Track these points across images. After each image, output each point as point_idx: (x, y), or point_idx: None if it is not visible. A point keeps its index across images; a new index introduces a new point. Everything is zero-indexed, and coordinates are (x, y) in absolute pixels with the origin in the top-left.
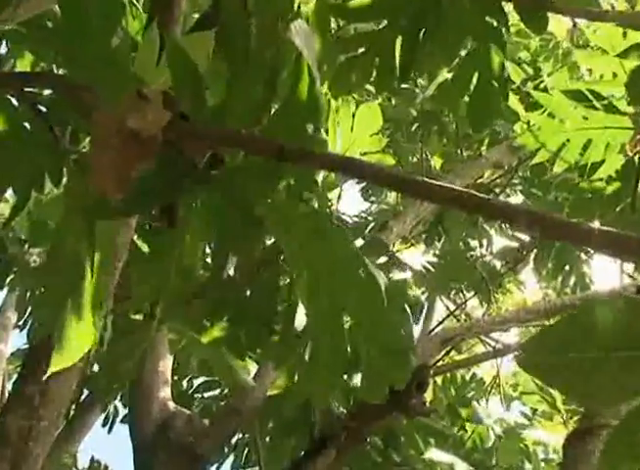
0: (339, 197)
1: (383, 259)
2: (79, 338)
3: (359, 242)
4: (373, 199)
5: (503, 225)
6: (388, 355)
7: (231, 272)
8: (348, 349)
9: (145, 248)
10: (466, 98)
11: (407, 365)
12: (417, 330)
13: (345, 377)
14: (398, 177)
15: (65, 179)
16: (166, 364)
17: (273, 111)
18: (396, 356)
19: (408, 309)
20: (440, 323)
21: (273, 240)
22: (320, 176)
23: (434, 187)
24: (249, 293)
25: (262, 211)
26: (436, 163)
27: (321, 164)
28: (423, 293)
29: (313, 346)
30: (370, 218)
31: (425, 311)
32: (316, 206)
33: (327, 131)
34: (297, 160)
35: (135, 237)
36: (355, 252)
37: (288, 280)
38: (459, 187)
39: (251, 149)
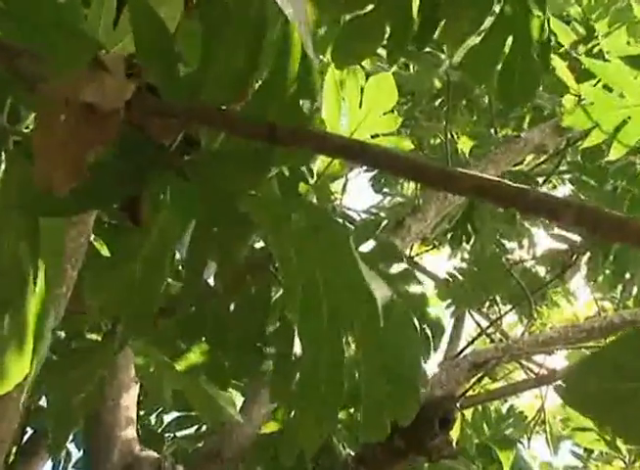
0: (343, 189)
1: (398, 266)
2: (18, 362)
3: (369, 244)
4: (386, 191)
5: (548, 223)
6: (389, 384)
7: (211, 282)
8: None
9: (104, 251)
10: (499, 66)
11: (412, 396)
12: (441, 352)
13: (352, 412)
14: (417, 164)
15: (2, 166)
16: (131, 396)
17: (259, 83)
18: (399, 385)
19: (427, 329)
20: (470, 344)
21: (262, 242)
22: (320, 164)
23: (460, 176)
24: (232, 307)
25: (248, 205)
26: (465, 146)
27: (321, 149)
28: (448, 307)
29: (306, 372)
30: (382, 215)
31: (451, 330)
32: (314, 200)
33: (327, 109)
34: (292, 143)
35: (92, 238)
36: (356, 259)
37: (281, 291)
38: (492, 175)
39: (233, 129)
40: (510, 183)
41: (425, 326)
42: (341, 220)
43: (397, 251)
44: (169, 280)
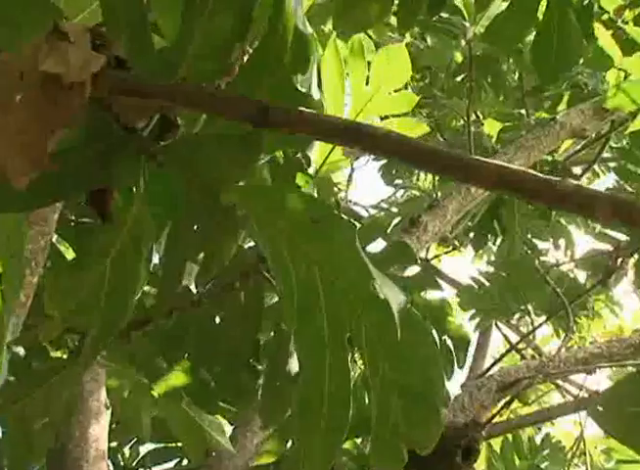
0: (349, 181)
1: (413, 270)
2: None
3: (379, 244)
4: (398, 183)
5: (588, 219)
6: (405, 404)
7: (193, 289)
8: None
9: (68, 253)
10: (531, 37)
11: (433, 418)
12: (463, 371)
13: (359, 440)
14: (429, 151)
15: None
16: (101, 425)
17: (247, 57)
18: (417, 405)
19: (449, 342)
20: (497, 361)
21: (253, 241)
22: (320, 151)
23: (478, 165)
24: (219, 318)
25: (234, 197)
26: (491, 129)
27: (319, 132)
28: (472, 318)
29: (304, 392)
30: (395, 211)
31: (475, 345)
32: (314, 193)
33: (328, 87)
34: (285, 125)
35: (54, 239)
36: (363, 259)
37: (276, 299)
38: (522, 164)
39: (217, 109)
40: (536, 173)
41: (446, 338)
42: (352, 220)
43: (411, 252)
44: (145, 287)
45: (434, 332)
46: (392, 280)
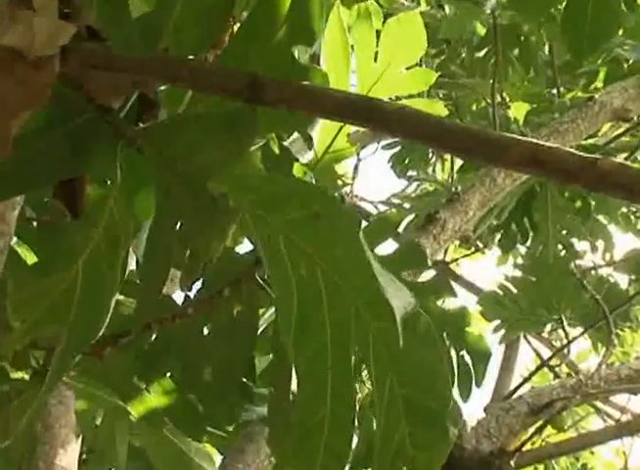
0: (355, 172)
1: (428, 274)
2: None
3: (389, 245)
4: (412, 174)
5: (630, 215)
6: (412, 422)
7: (177, 297)
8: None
9: (30, 257)
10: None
11: (442, 437)
12: (487, 391)
13: None
14: (455, 128)
15: None
16: (70, 454)
17: (239, 25)
18: (424, 423)
19: (467, 356)
20: (527, 380)
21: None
22: (322, 138)
23: (505, 142)
24: (207, 331)
25: (223, 187)
26: (519, 112)
27: (323, 109)
28: (497, 330)
29: (302, 417)
30: (407, 206)
31: (501, 361)
32: (314, 183)
33: (330, 62)
34: (279, 102)
35: (14, 241)
36: (368, 260)
37: (273, 310)
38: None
39: (203, 86)
40: (573, 151)
41: (463, 351)
42: (356, 213)
43: (422, 253)
44: (120, 296)
45: (444, 342)
46: (404, 285)
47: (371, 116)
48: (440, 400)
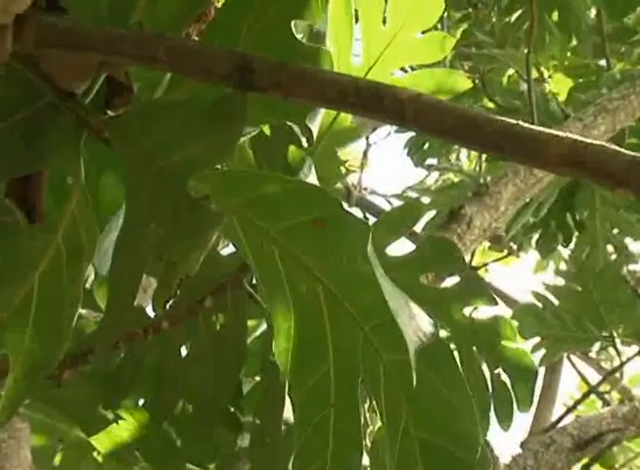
0: (363, 159)
1: (450, 281)
2: None
3: (403, 247)
4: (432, 163)
5: None
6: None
7: (150, 311)
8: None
9: None
10: None
11: None
12: (524, 423)
13: None
14: (477, 122)
15: None
16: None
17: None
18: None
19: (506, 378)
20: (572, 410)
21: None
22: (319, 119)
23: (536, 137)
24: (185, 351)
25: (206, 188)
26: (560, 87)
27: (324, 97)
28: (535, 349)
29: (299, 462)
30: (426, 201)
31: (540, 386)
32: (311, 178)
33: (332, 31)
34: (277, 87)
35: None
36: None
37: (265, 327)
38: (605, 132)
39: (184, 67)
40: (625, 152)
41: (499, 369)
42: (357, 212)
43: (456, 250)
44: (83, 310)
45: (475, 362)
46: (424, 292)
47: (381, 106)
48: (466, 446)
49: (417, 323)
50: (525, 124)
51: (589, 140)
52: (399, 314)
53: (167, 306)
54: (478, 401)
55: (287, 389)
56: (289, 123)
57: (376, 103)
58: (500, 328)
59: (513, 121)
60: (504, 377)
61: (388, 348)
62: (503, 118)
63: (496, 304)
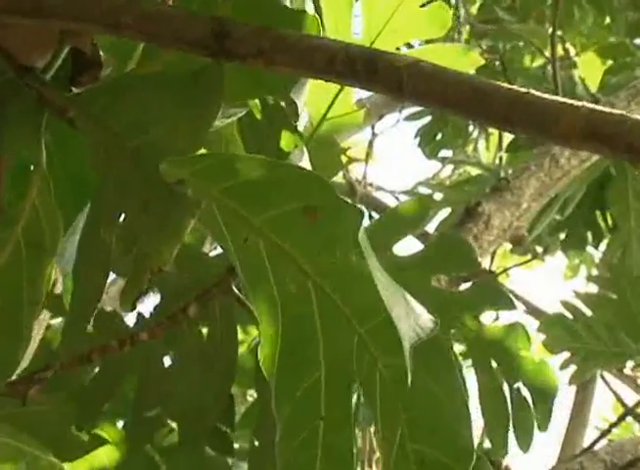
0: (368, 151)
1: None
2: None
3: (412, 246)
4: (445, 155)
5: None
6: None
7: (129, 320)
8: None
9: None
10: None
11: None
12: (553, 447)
13: None
14: (484, 93)
15: None
16: None
17: None
18: None
19: (527, 393)
20: (607, 433)
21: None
22: (319, 98)
23: (563, 109)
24: (168, 363)
25: (182, 173)
26: (589, 69)
27: (312, 66)
28: (565, 365)
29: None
30: (439, 197)
31: (571, 406)
32: (303, 163)
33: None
34: (259, 55)
35: None
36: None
37: (257, 339)
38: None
39: (156, 35)
40: None
41: (519, 384)
42: (361, 207)
43: (471, 250)
44: (53, 321)
45: (491, 373)
46: (433, 296)
47: (375, 74)
48: (463, 460)
49: (414, 319)
50: (537, 93)
51: (608, 109)
52: (394, 308)
53: (147, 315)
54: (495, 420)
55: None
56: (282, 107)
57: (369, 72)
58: (520, 337)
59: (523, 90)
60: (524, 392)
61: (385, 351)
62: (513, 87)
63: (515, 308)
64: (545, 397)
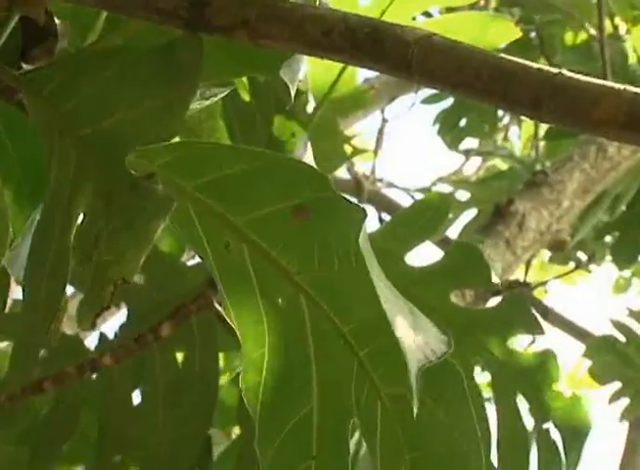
0: (379, 136)
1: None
2: None
3: (431, 254)
4: (470, 144)
5: None
6: None
7: (89, 342)
8: None
9: None
10: None
11: None
12: None
13: None
14: (507, 72)
15: None
16: None
17: None
18: None
19: (556, 432)
20: None
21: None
22: (318, 77)
23: (602, 92)
24: (137, 395)
25: (149, 165)
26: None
27: (307, 40)
28: (615, 397)
29: None
30: (462, 197)
31: (623, 447)
32: (305, 156)
33: None
34: (240, 28)
35: None
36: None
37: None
38: None
39: (122, 3)
40: None
41: (549, 423)
42: (364, 207)
43: (484, 263)
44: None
45: (514, 408)
46: (453, 315)
47: (379, 50)
48: None
49: (423, 339)
50: (571, 73)
51: None
52: (399, 326)
53: (113, 335)
54: (515, 464)
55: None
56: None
57: (372, 46)
58: (551, 368)
59: (554, 70)
60: (553, 434)
61: (389, 379)
62: (541, 66)
63: (542, 332)
64: (577, 440)
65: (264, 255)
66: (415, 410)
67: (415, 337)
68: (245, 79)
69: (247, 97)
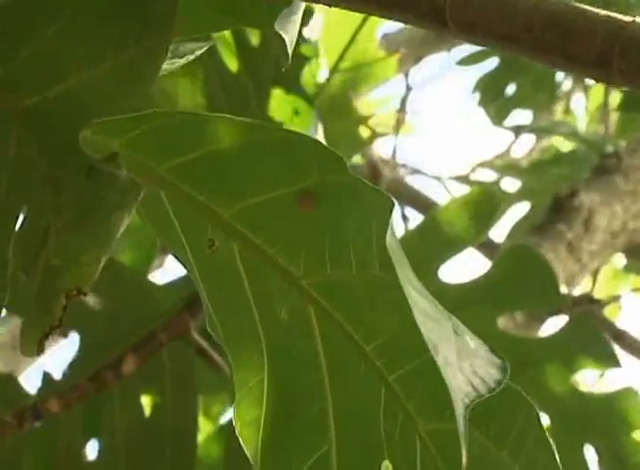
0: (402, 107)
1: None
2: None
3: (470, 261)
4: (520, 119)
5: None
6: None
7: (31, 383)
8: None
9: None
10: None
11: None
12: None
13: None
14: (564, 15)
15: None
16: None
17: None
18: None
19: None
20: None
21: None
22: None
23: None
24: (93, 450)
25: (110, 143)
26: None
27: None
28: None
29: None
30: (511, 187)
31: None
32: (318, 133)
33: None
34: None
35: None
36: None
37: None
38: None
39: None
40: None
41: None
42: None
43: (551, 273)
44: None
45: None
46: (501, 345)
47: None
48: None
49: (471, 365)
50: None
51: None
52: (440, 347)
53: (60, 374)
54: None
55: None
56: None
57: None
58: (631, 410)
59: (626, 18)
60: None
61: (429, 410)
62: (613, 14)
63: (618, 363)
64: None
65: (260, 255)
66: (464, 453)
67: (461, 362)
68: (233, 44)
69: (235, 66)
